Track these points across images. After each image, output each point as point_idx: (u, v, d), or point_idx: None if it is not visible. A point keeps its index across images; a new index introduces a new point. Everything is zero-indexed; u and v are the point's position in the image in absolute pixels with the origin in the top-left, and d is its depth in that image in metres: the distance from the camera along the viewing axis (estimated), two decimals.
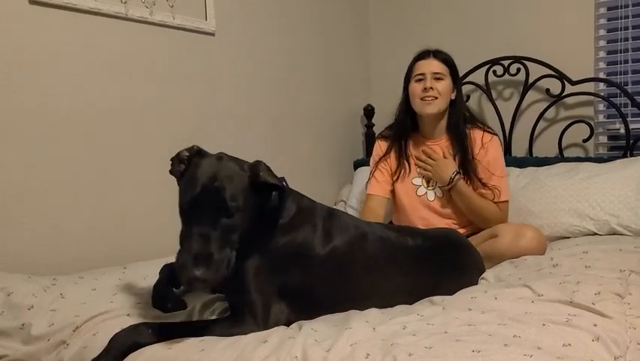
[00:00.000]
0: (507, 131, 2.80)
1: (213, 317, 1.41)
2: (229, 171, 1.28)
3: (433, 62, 2.22)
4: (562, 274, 1.57)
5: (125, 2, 1.96)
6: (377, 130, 2.85)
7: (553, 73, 2.66)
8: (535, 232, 1.93)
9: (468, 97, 2.89)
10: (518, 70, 2.76)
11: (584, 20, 2.66)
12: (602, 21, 2.68)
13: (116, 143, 1.97)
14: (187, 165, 1.33)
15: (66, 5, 1.81)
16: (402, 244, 1.61)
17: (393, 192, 2.33)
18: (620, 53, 2.64)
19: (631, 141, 2.53)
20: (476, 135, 2.24)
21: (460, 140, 2.22)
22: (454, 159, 2.22)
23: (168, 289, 1.49)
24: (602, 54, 2.70)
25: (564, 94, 2.65)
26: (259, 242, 1.38)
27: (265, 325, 1.32)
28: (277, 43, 2.65)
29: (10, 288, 1.43)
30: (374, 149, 2.41)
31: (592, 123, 2.62)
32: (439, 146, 2.27)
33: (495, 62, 2.81)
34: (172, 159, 1.36)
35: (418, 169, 2.28)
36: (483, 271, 1.78)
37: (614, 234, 2.15)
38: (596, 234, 2.17)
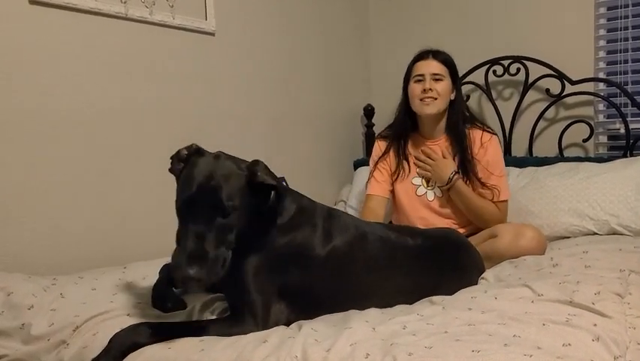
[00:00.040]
0: (507, 131, 2.80)
1: (213, 317, 1.41)
2: (226, 171, 1.28)
3: (432, 63, 2.22)
4: (562, 273, 1.57)
5: (125, 2, 1.96)
6: (377, 130, 2.85)
7: (553, 73, 2.66)
8: (534, 231, 1.93)
9: (468, 97, 2.89)
10: (518, 70, 2.76)
11: (584, 20, 2.66)
12: (602, 21, 2.69)
13: (116, 143, 1.97)
14: (185, 163, 1.33)
15: (66, 5, 1.81)
16: (402, 244, 1.61)
17: (392, 192, 2.34)
18: (620, 52, 2.64)
19: (631, 141, 2.53)
20: (475, 135, 2.24)
21: (460, 140, 2.22)
22: (454, 159, 2.22)
23: (168, 289, 1.49)
24: (601, 54, 2.70)
25: (564, 94, 2.65)
26: (259, 242, 1.38)
27: (265, 325, 1.32)
28: (277, 43, 2.65)
29: (10, 288, 1.43)
30: (373, 149, 2.41)
31: (592, 123, 2.62)
32: (439, 146, 2.27)
33: (495, 61, 2.81)
34: (172, 158, 1.36)
35: (418, 169, 2.28)
36: (483, 271, 1.78)
37: (613, 234, 2.15)
38: (596, 234, 2.17)
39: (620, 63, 2.64)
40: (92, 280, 1.57)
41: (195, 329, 1.28)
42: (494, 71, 2.83)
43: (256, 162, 1.34)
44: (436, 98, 2.19)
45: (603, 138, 2.75)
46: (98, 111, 1.92)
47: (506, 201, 2.22)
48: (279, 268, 1.38)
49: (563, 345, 1.09)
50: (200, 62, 2.27)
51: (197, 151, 1.35)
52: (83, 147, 1.88)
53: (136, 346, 1.21)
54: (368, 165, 2.46)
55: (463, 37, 2.92)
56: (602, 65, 2.70)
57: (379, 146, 2.38)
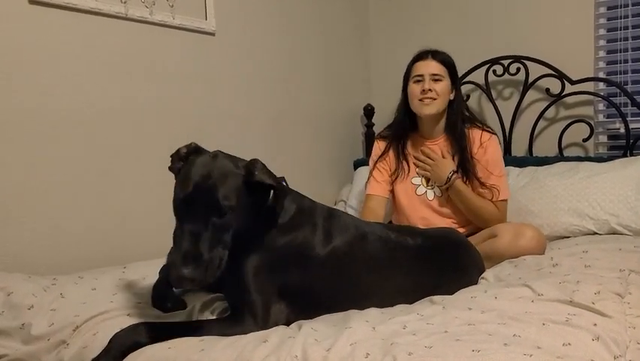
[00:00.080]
0: (507, 131, 2.80)
1: (213, 317, 1.41)
2: (223, 170, 1.27)
3: (432, 63, 2.22)
4: (562, 273, 1.57)
5: (125, 2, 1.96)
6: (377, 130, 2.85)
7: (553, 72, 2.66)
8: (534, 231, 1.93)
9: (468, 96, 2.89)
10: (518, 69, 2.76)
11: (584, 20, 2.66)
12: (602, 20, 2.69)
13: (116, 143, 1.97)
14: (184, 162, 1.33)
15: (66, 5, 1.81)
16: (402, 244, 1.61)
17: (392, 192, 2.34)
18: (620, 52, 2.64)
19: (631, 141, 2.53)
20: (475, 135, 2.25)
21: (459, 140, 2.22)
22: (453, 159, 2.22)
23: (168, 289, 1.49)
24: (601, 54, 2.70)
25: (564, 93, 2.65)
26: (259, 242, 1.38)
27: (265, 325, 1.32)
28: (277, 43, 2.65)
29: (10, 288, 1.43)
30: (373, 149, 2.41)
31: (592, 123, 2.62)
32: (438, 146, 2.27)
33: (495, 61, 2.81)
34: (172, 156, 1.36)
35: (417, 169, 2.28)
36: (483, 271, 1.78)
37: (613, 233, 2.15)
38: (596, 233, 2.17)
39: (620, 63, 2.64)
40: (92, 280, 1.57)
41: (195, 328, 1.28)
42: (494, 71, 2.83)
43: (254, 162, 1.33)
44: (435, 99, 2.19)
45: (603, 138, 2.75)
46: (98, 111, 1.92)
47: (506, 200, 2.22)
48: (279, 268, 1.38)
49: (563, 345, 1.09)
50: (200, 62, 2.27)
51: (195, 150, 1.35)
52: (83, 147, 1.88)
53: (136, 346, 1.21)
54: (368, 164, 2.46)
55: (463, 37, 2.92)
56: (601, 64, 2.70)
57: (379, 146, 2.38)
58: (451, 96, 2.26)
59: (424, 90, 2.19)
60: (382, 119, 2.83)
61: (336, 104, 3.03)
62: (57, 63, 1.81)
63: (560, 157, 2.62)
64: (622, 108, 2.57)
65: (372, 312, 1.38)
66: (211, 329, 1.28)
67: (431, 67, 2.22)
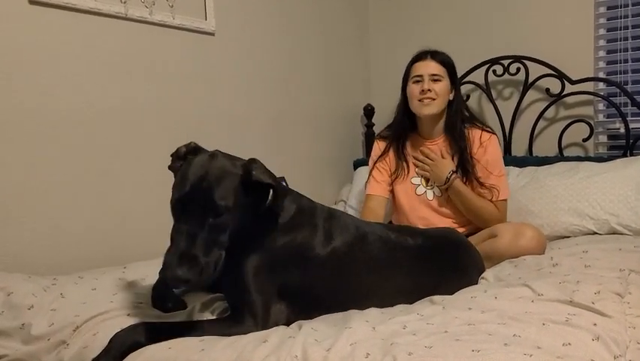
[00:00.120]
0: (507, 131, 2.80)
1: (213, 317, 1.41)
2: (220, 170, 1.26)
3: (431, 64, 2.22)
4: (562, 273, 1.57)
5: (124, 2, 1.96)
6: (377, 130, 2.85)
7: (553, 72, 2.66)
8: (534, 231, 1.93)
9: (468, 96, 2.89)
10: (518, 69, 2.76)
11: (584, 20, 2.66)
12: (602, 20, 2.69)
13: (116, 143, 1.97)
14: (183, 161, 1.33)
15: (66, 5, 1.81)
16: (402, 244, 1.61)
17: (392, 192, 2.34)
18: (620, 52, 2.64)
19: (631, 141, 2.53)
20: (474, 135, 2.25)
21: (458, 140, 2.22)
22: (453, 159, 2.22)
23: (168, 290, 1.48)
24: (601, 53, 2.70)
25: (564, 93, 2.65)
26: (259, 242, 1.38)
27: (265, 325, 1.32)
28: (277, 43, 2.65)
29: (10, 288, 1.43)
30: (372, 149, 2.41)
31: (592, 123, 2.62)
32: (437, 146, 2.27)
33: (495, 61, 2.81)
34: (172, 155, 1.37)
35: (417, 169, 2.29)
36: (483, 271, 1.78)
37: (613, 233, 2.15)
38: (596, 233, 2.17)
39: (620, 63, 2.64)
40: (92, 280, 1.57)
41: (195, 328, 1.28)
42: (494, 71, 2.83)
43: (252, 161, 1.33)
44: (434, 99, 2.19)
45: (603, 138, 2.75)
46: (98, 111, 1.92)
47: (505, 200, 2.22)
48: (279, 268, 1.38)
49: (563, 345, 1.09)
50: (200, 62, 2.27)
51: (194, 149, 1.35)
52: (83, 147, 1.88)
53: (136, 346, 1.21)
54: (368, 164, 2.46)
55: (463, 37, 2.92)
56: (601, 64, 2.70)
57: (379, 146, 2.38)
58: (451, 96, 2.26)
59: (423, 90, 2.19)
60: (382, 119, 2.83)
61: (336, 104, 3.03)
62: (57, 63, 1.81)
63: (560, 157, 2.62)
64: (622, 108, 2.57)
65: (373, 312, 1.38)
66: (211, 329, 1.28)
67: (430, 67, 2.22)
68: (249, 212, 1.32)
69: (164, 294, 1.47)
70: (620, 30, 2.63)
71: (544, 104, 2.71)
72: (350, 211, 2.59)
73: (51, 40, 1.79)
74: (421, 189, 2.28)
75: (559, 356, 1.04)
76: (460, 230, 2.14)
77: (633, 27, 2.60)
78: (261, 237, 1.39)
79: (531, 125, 2.73)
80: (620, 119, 2.56)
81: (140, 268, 1.70)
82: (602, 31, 2.69)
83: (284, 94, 2.69)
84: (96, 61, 1.91)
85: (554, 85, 2.67)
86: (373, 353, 1.08)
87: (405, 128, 2.32)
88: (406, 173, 2.30)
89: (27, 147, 1.74)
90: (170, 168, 1.36)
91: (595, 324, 1.19)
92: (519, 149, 2.79)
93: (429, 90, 2.18)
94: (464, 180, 2.19)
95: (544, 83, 2.71)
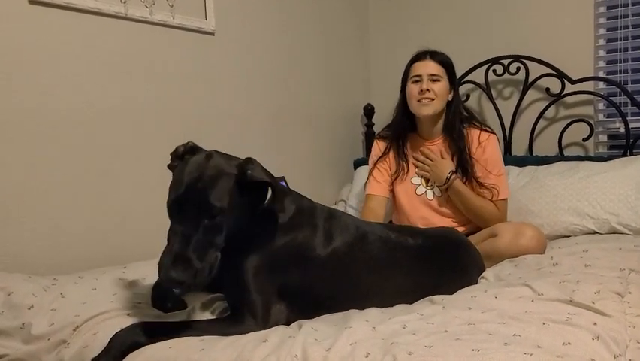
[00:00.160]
0: (507, 131, 2.80)
1: (213, 317, 1.41)
2: (215, 170, 1.26)
3: (430, 64, 2.22)
4: (562, 273, 1.57)
5: (124, 2, 1.96)
6: (377, 129, 2.85)
7: (553, 72, 2.66)
8: (534, 230, 1.93)
9: (468, 96, 2.89)
10: (518, 69, 2.76)
11: (584, 19, 2.66)
12: (602, 20, 2.69)
13: (116, 143, 1.97)
14: (180, 161, 1.33)
15: (66, 5, 1.81)
16: (402, 244, 1.61)
17: (392, 191, 2.34)
18: (620, 51, 2.64)
19: (631, 140, 2.53)
20: (473, 134, 2.25)
21: (457, 140, 2.22)
22: (452, 159, 2.22)
23: (168, 289, 1.48)
24: (601, 53, 2.70)
25: (564, 93, 2.65)
26: (259, 242, 1.38)
27: (265, 325, 1.32)
28: (277, 43, 2.65)
29: (10, 288, 1.43)
30: (372, 149, 2.41)
31: (592, 122, 2.62)
32: (437, 146, 2.27)
33: (495, 61, 2.81)
34: (171, 154, 1.37)
35: (417, 169, 2.29)
36: (483, 270, 1.78)
37: (614, 233, 2.15)
38: (596, 233, 2.17)
39: (620, 62, 2.64)
40: (92, 279, 1.56)
41: (195, 328, 1.28)
42: (494, 71, 2.83)
43: (247, 160, 1.32)
44: (433, 99, 2.19)
45: (603, 137, 2.75)
46: (98, 111, 1.92)
47: (505, 200, 2.22)
48: (279, 268, 1.38)
49: (563, 344, 1.09)
50: (200, 61, 2.27)
51: (192, 149, 1.34)
52: (83, 147, 1.88)
53: (136, 345, 1.21)
54: (368, 164, 2.46)
55: (463, 36, 2.92)
56: (601, 64, 2.70)
57: (378, 146, 2.38)
58: (450, 97, 2.26)
59: (422, 90, 2.19)
60: (382, 119, 2.83)
61: (336, 104, 3.03)
62: (57, 63, 1.81)
63: (560, 157, 2.62)
64: (622, 108, 2.57)
65: (373, 312, 1.38)
66: (211, 328, 1.28)
67: (429, 67, 2.22)
68: (245, 212, 1.32)
69: (164, 294, 1.47)
70: (620, 30, 2.63)
71: (545, 104, 2.71)
72: (350, 211, 2.59)
73: (51, 40, 1.79)
74: (421, 189, 2.28)
75: (559, 355, 1.04)
76: (460, 229, 2.14)
77: (633, 27, 2.60)
78: (261, 237, 1.38)
79: (531, 124, 2.73)
80: (620, 118, 2.56)
81: (140, 267, 1.70)
82: (602, 31, 2.69)
83: (284, 94, 2.69)
84: (96, 61, 1.91)
85: (554, 84, 2.67)
86: (373, 352, 1.08)
87: (404, 128, 2.32)
88: (406, 173, 2.30)
89: (27, 147, 1.74)
90: (169, 167, 1.36)
91: (595, 323, 1.18)
92: (519, 148, 2.79)
93: (428, 90, 2.18)
94: (464, 180, 2.19)
95: (544, 82, 2.70)
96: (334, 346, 1.12)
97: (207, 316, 1.42)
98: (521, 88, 2.76)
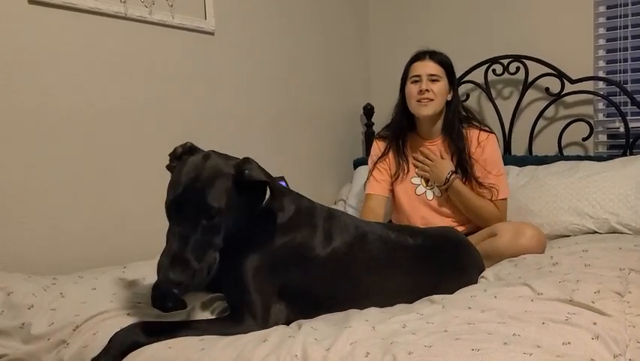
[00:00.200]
0: (507, 130, 2.80)
1: (213, 317, 1.41)
2: (212, 171, 1.26)
3: (429, 64, 2.22)
4: (561, 272, 1.57)
5: (124, 2, 1.96)
6: (377, 129, 2.85)
7: (553, 72, 2.66)
8: (534, 230, 1.93)
9: (467, 96, 2.89)
10: (518, 69, 2.76)
11: (584, 19, 2.66)
12: (602, 20, 2.69)
13: (116, 143, 1.97)
14: (179, 161, 1.33)
15: (66, 5, 1.81)
16: (402, 244, 1.61)
17: (392, 191, 2.34)
18: (620, 51, 2.64)
19: (630, 140, 2.53)
20: (472, 134, 2.25)
21: (456, 140, 2.22)
22: (452, 159, 2.22)
23: (167, 290, 1.49)
24: (601, 53, 2.70)
25: (563, 93, 2.65)
26: (258, 242, 1.38)
27: (265, 325, 1.32)
28: (277, 43, 2.65)
29: (10, 287, 1.43)
30: (372, 149, 2.41)
31: (591, 122, 2.62)
32: (436, 146, 2.27)
33: (494, 60, 2.81)
34: (170, 155, 1.37)
35: (416, 169, 2.29)
36: (483, 270, 1.78)
37: (613, 232, 2.15)
38: (596, 232, 2.17)
39: (620, 62, 2.64)
40: (91, 279, 1.57)
41: (195, 328, 1.28)
42: (494, 70, 2.83)
43: (245, 160, 1.32)
44: (432, 99, 2.19)
45: (603, 137, 2.75)
46: (98, 111, 1.92)
47: (505, 199, 2.22)
48: (278, 269, 1.38)
49: (563, 344, 1.09)
50: (200, 61, 2.27)
51: (190, 149, 1.34)
52: (83, 147, 1.88)
53: (136, 345, 1.21)
54: (367, 164, 2.46)
55: (463, 36, 2.92)
56: (601, 63, 2.70)
57: (378, 146, 2.38)
58: (449, 97, 2.26)
59: (421, 91, 2.19)
60: (382, 119, 2.83)
61: (335, 104, 3.03)
62: (57, 63, 1.81)
63: (560, 156, 2.62)
64: (622, 107, 2.57)
65: (372, 311, 1.38)
66: (211, 328, 1.28)
67: (429, 67, 2.22)
68: (244, 212, 1.32)
69: (163, 294, 1.47)
70: (620, 29, 2.63)
71: (544, 104, 2.71)
72: (350, 211, 2.59)
73: (51, 40, 1.79)
74: (420, 189, 2.28)
75: (559, 355, 1.04)
76: (460, 229, 2.14)
77: (633, 26, 2.60)
78: (261, 237, 1.38)
79: (531, 124, 2.73)
80: (620, 118, 2.56)
81: (139, 267, 1.70)
82: (601, 31, 2.69)
83: (284, 94, 2.69)
84: (96, 61, 1.91)
85: (554, 84, 2.67)
86: (373, 352, 1.08)
87: (403, 128, 2.32)
88: (406, 173, 2.30)
89: (27, 147, 1.74)
90: (167, 167, 1.36)
91: (595, 323, 1.19)
92: (519, 148, 2.79)
93: (427, 90, 2.18)
94: (463, 180, 2.19)
95: (544, 82, 2.70)
96: (334, 345, 1.12)
97: (207, 316, 1.42)
98: (521, 88, 2.76)
